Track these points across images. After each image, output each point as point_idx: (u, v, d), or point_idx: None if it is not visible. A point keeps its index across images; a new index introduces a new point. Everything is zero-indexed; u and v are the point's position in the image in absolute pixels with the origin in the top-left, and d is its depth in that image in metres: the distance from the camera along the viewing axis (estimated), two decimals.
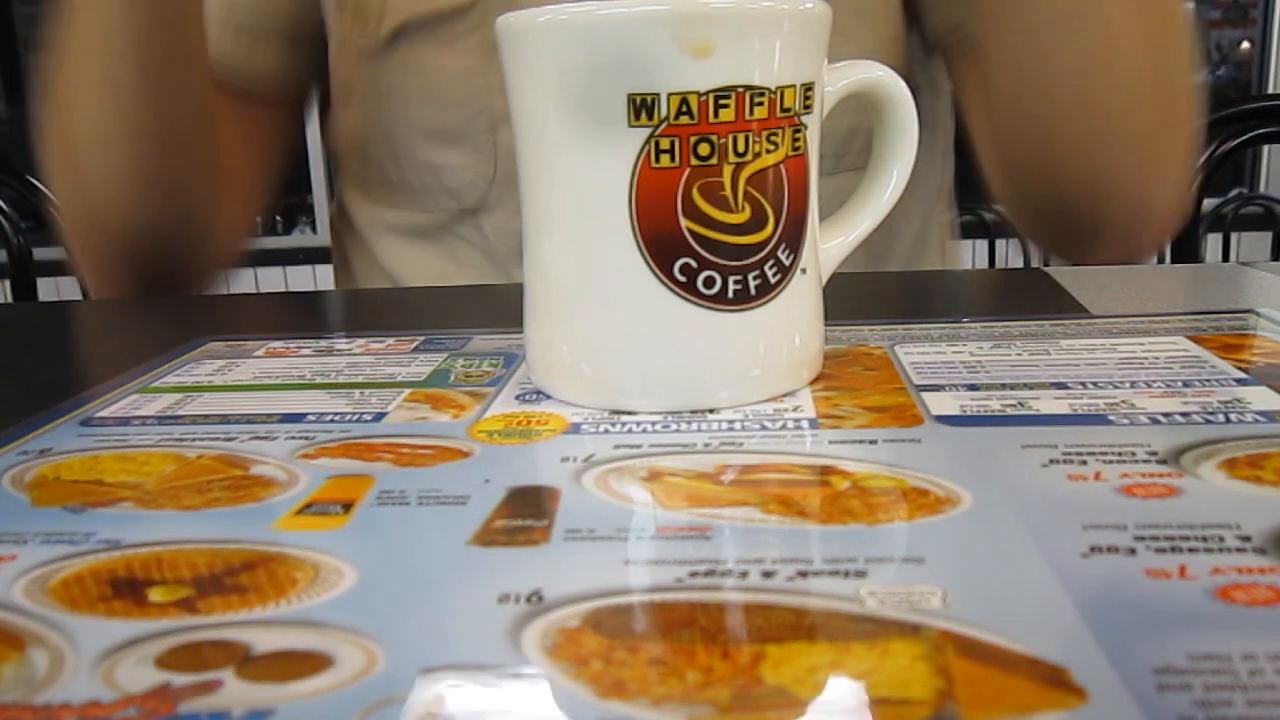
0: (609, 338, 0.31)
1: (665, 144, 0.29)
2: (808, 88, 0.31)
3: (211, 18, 0.61)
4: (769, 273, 0.31)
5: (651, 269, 0.30)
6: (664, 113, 0.29)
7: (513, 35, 0.30)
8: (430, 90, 0.63)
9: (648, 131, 0.29)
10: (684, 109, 0.29)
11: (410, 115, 0.64)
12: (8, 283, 1.20)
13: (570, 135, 0.30)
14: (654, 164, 0.29)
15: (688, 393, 0.31)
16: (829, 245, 0.35)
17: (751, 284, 0.31)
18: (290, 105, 0.71)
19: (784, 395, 0.32)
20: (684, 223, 0.30)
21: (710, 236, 0.30)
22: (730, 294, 0.31)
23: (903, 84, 0.34)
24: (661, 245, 0.30)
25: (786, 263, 0.31)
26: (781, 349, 0.32)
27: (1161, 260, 1.99)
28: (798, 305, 0.33)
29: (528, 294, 0.34)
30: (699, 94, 0.29)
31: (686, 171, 0.29)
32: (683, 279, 0.30)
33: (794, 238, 0.32)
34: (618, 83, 0.29)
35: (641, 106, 0.29)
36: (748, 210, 0.30)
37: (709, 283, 0.30)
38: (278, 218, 2.84)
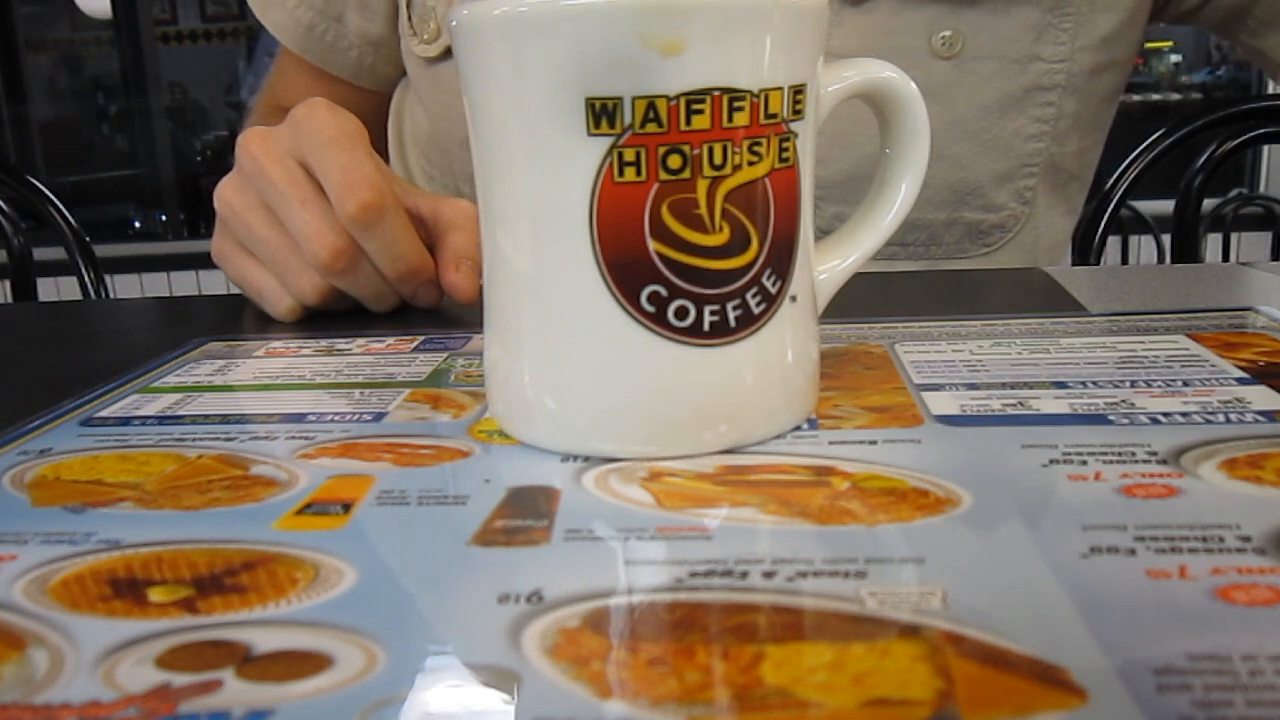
0: (571, 374, 0.28)
1: (630, 155, 0.25)
2: (798, 90, 0.27)
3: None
4: (752, 302, 0.28)
5: (615, 298, 0.27)
6: (628, 120, 0.25)
7: (466, 31, 0.27)
8: None
9: (609, 141, 0.25)
10: (651, 115, 0.25)
11: (461, 131, 0.65)
12: (8, 283, 1.20)
13: (525, 145, 0.27)
14: (617, 178, 0.26)
15: (661, 436, 0.28)
16: (825, 269, 0.32)
17: (731, 315, 0.27)
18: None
19: (773, 438, 0.29)
20: (652, 245, 0.26)
21: (682, 261, 0.26)
22: (706, 326, 0.27)
23: (913, 85, 0.31)
24: (626, 271, 0.26)
25: (773, 290, 0.28)
26: (768, 388, 0.29)
27: (1161, 260, 1.99)
28: (786, 339, 0.29)
29: (487, 322, 0.31)
30: (668, 98, 0.25)
31: (654, 187, 0.26)
32: (651, 309, 0.27)
33: (782, 262, 0.28)
34: (575, 85, 0.25)
35: (602, 112, 0.25)
36: (726, 231, 0.27)
37: (681, 313, 0.27)
38: None
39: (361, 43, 0.71)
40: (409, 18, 0.66)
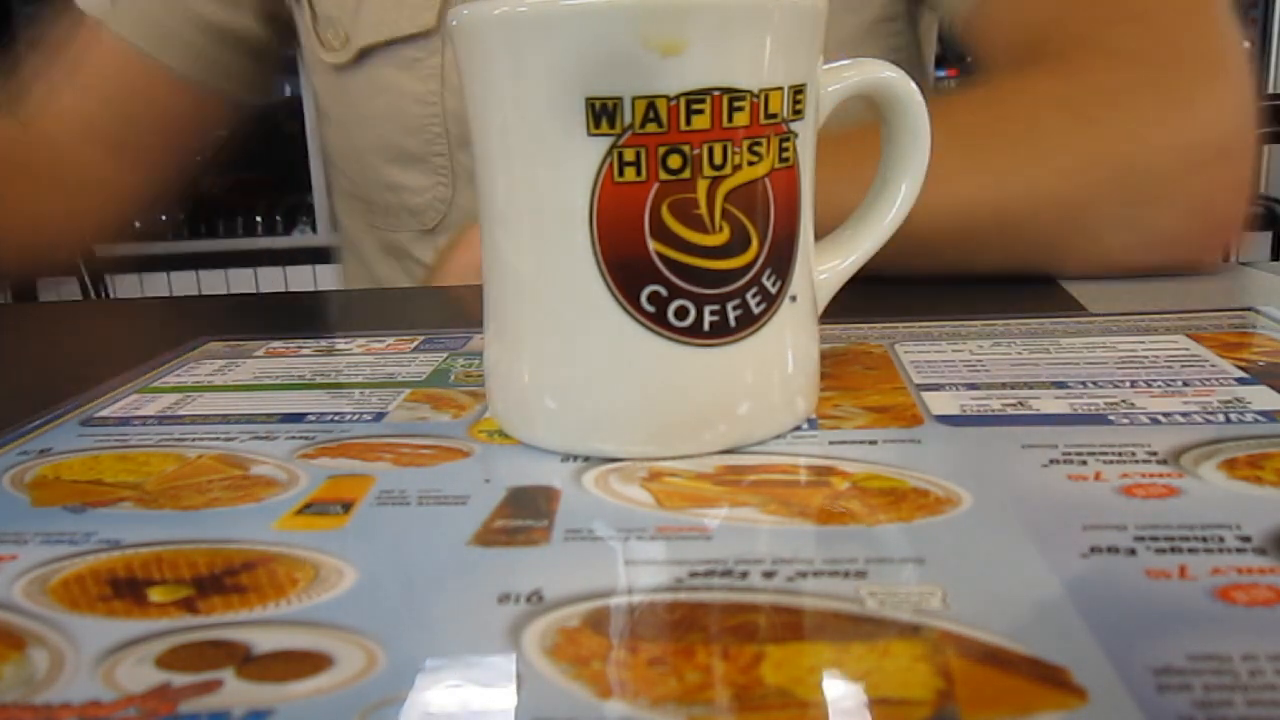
0: (571, 374, 0.28)
1: (630, 155, 0.25)
2: (798, 90, 0.27)
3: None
4: (752, 302, 0.28)
5: (616, 298, 0.27)
6: (628, 120, 0.25)
7: (465, 30, 0.27)
8: (392, 112, 0.64)
9: (609, 141, 0.25)
10: (651, 115, 0.25)
11: (374, 134, 0.65)
12: (8, 283, 1.20)
13: (525, 144, 0.27)
14: (617, 178, 0.26)
15: (661, 436, 0.28)
16: (825, 269, 0.32)
17: (731, 315, 0.27)
18: (235, 106, 0.72)
19: (773, 438, 0.29)
20: (652, 245, 0.26)
21: (682, 261, 0.26)
22: (706, 326, 0.27)
23: (914, 85, 0.31)
24: (626, 271, 0.26)
25: (773, 290, 0.28)
26: (768, 388, 0.29)
27: None
28: (786, 339, 0.29)
29: (487, 322, 0.31)
30: (668, 98, 0.25)
31: (654, 187, 0.26)
32: (651, 309, 0.27)
33: (782, 262, 0.28)
34: (575, 85, 0.25)
35: (602, 112, 0.25)
36: (726, 231, 0.27)
37: (681, 313, 0.27)
38: (278, 218, 2.84)
39: (212, 33, 0.67)
40: (314, 28, 0.65)
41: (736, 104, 0.26)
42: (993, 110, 0.45)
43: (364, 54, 0.63)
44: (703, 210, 0.26)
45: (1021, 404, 0.30)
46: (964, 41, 0.58)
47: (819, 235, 0.31)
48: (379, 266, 0.71)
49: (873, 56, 0.29)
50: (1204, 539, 0.22)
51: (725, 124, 0.26)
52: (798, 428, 0.30)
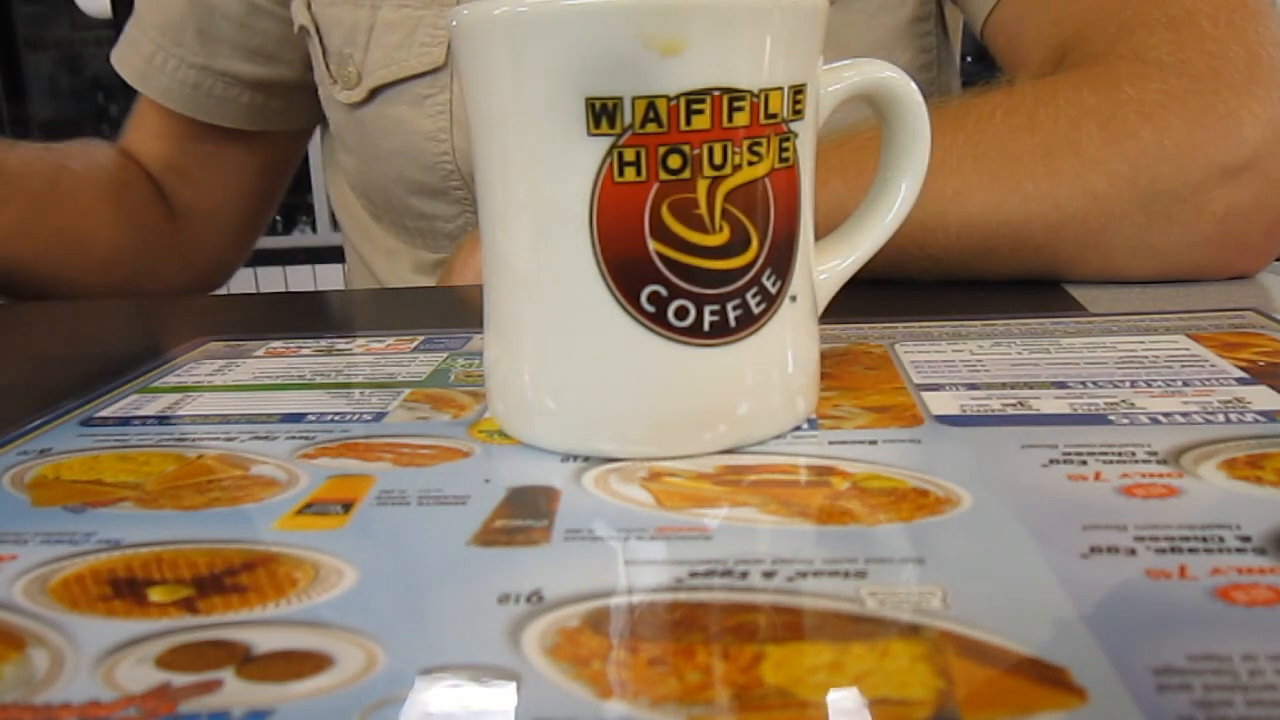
0: (571, 374, 0.28)
1: (630, 155, 0.26)
2: (798, 90, 0.27)
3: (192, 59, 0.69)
4: (751, 302, 0.28)
5: (615, 297, 0.27)
6: (628, 120, 0.25)
7: (465, 30, 0.27)
8: (406, 149, 0.65)
9: (609, 141, 0.25)
10: (651, 115, 0.25)
11: (394, 169, 0.66)
12: None
13: (525, 144, 0.27)
14: (617, 178, 0.26)
15: (661, 436, 0.28)
16: (825, 269, 0.32)
17: (731, 315, 0.27)
18: (287, 138, 0.75)
19: (773, 438, 0.29)
20: (652, 245, 0.26)
21: (682, 261, 0.26)
22: (706, 326, 0.27)
23: (913, 85, 0.31)
24: (626, 271, 0.26)
25: (773, 290, 0.28)
26: (768, 388, 0.29)
27: None
28: (786, 339, 0.29)
29: (487, 322, 0.31)
30: (668, 98, 0.25)
31: (654, 187, 0.26)
32: (651, 309, 0.27)
33: (782, 262, 0.28)
34: (575, 85, 0.25)
35: (602, 112, 0.25)
36: (726, 231, 0.27)
37: (681, 313, 0.27)
38: (278, 218, 2.84)
39: (253, 86, 0.71)
40: (326, 66, 0.66)
41: (736, 104, 0.26)
42: (1023, 121, 0.44)
43: (375, 92, 0.64)
44: (703, 210, 0.26)
45: (1021, 404, 0.30)
46: (988, 41, 0.57)
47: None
48: (412, 281, 0.72)
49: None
50: (1204, 539, 0.22)
51: (725, 124, 0.26)
52: (798, 428, 0.30)
